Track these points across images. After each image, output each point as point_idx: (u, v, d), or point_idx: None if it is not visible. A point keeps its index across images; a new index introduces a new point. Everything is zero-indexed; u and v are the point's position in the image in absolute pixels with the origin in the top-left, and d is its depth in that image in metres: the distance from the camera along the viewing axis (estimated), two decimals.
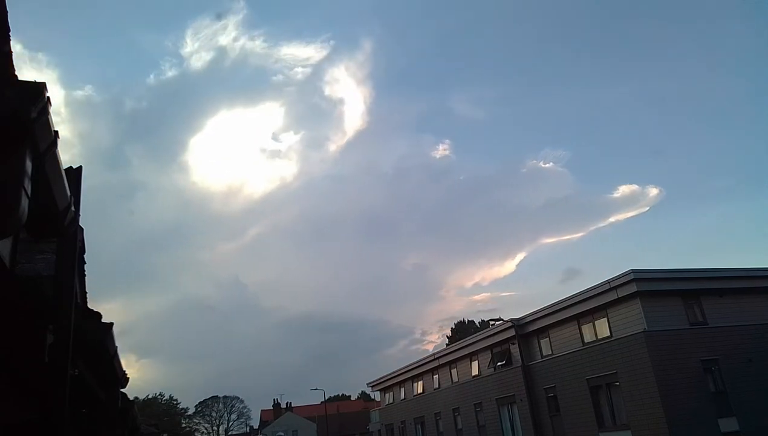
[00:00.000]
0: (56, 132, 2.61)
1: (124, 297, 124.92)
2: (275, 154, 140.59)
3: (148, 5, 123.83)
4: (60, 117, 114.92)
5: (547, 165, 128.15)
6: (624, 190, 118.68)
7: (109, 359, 5.64)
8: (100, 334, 5.03)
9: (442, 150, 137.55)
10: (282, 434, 72.31)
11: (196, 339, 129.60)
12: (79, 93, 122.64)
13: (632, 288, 22.71)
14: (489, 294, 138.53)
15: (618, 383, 23.36)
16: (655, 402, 21.32)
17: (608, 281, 23.67)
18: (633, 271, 22.56)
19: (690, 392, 21.66)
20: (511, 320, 29.98)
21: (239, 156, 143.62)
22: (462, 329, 78.73)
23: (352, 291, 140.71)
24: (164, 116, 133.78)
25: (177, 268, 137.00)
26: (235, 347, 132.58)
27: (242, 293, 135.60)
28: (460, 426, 35.91)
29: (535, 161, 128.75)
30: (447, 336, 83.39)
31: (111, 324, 5.16)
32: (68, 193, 3.15)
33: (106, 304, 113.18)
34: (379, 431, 50.52)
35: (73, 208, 3.45)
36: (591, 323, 25.47)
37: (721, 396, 22.29)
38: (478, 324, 77.60)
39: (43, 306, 3.55)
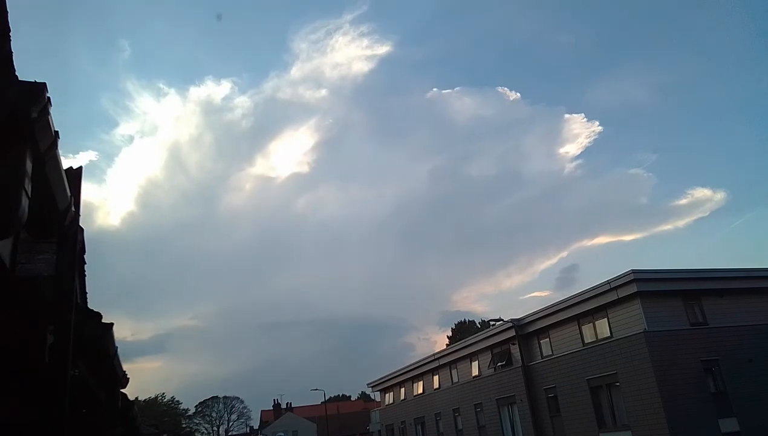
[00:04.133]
0: (56, 132, 2.61)
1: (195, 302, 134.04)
2: (349, 162, 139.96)
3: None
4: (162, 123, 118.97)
5: (632, 171, 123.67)
6: (696, 193, 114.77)
7: (109, 359, 5.65)
8: (100, 334, 5.03)
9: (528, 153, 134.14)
10: (282, 434, 72.19)
11: (204, 340, 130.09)
12: (187, 99, 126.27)
13: (632, 288, 22.70)
14: (528, 296, 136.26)
15: (618, 384, 23.34)
16: (656, 402, 21.30)
17: (608, 282, 23.65)
18: (633, 271, 22.54)
19: (690, 393, 21.64)
20: (512, 320, 29.97)
21: (311, 163, 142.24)
22: (462, 329, 78.73)
23: (368, 293, 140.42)
24: (258, 124, 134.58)
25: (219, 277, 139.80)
26: (237, 347, 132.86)
27: (264, 295, 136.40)
28: (460, 427, 35.87)
29: (621, 168, 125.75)
30: (447, 336, 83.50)
31: (111, 324, 5.16)
32: (68, 193, 3.15)
33: (199, 307, 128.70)
34: (379, 431, 50.49)
35: (73, 209, 3.45)
36: (591, 324, 25.47)
37: (721, 396, 22.26)
38: (478, 324, 77.58)
39: (43, 306, 3.56)
